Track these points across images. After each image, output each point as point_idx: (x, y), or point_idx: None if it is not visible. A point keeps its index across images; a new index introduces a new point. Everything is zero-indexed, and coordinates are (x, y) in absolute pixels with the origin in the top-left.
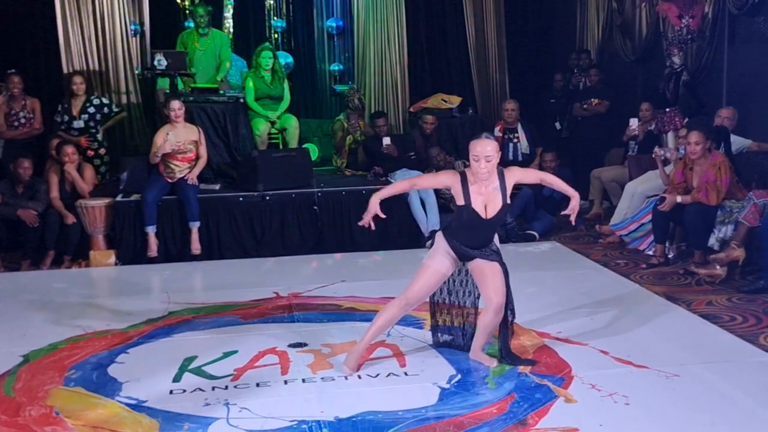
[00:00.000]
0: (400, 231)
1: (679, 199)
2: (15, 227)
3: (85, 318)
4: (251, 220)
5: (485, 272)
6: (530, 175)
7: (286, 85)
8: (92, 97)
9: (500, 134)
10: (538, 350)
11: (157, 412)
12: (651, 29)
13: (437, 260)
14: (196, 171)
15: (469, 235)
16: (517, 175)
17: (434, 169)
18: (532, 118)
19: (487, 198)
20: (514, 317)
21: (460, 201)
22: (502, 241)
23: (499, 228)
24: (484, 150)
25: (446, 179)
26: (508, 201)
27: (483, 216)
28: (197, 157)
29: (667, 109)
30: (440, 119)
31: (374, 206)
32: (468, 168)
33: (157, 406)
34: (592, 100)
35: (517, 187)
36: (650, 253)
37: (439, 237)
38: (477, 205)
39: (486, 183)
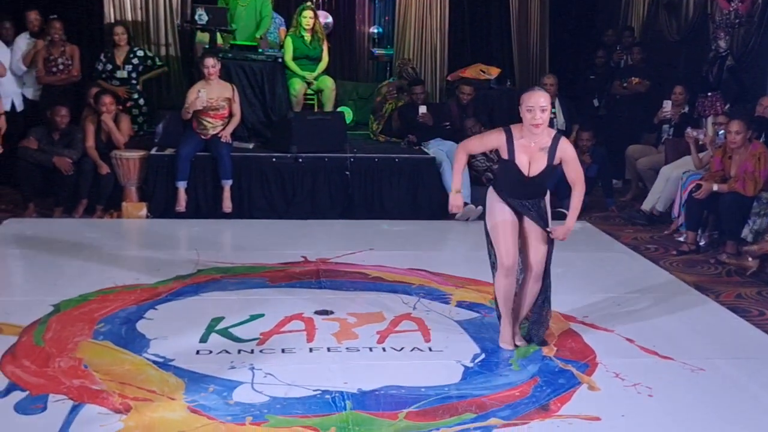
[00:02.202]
0: (430, 201)
1: (715, 187)
2: (49, 174)
3: (116, 270)
4: (283, 182)
5: (530, 238)
6: (573, 167)
7: (324, 45)
8: (136, 49)
9: None
10: (563, 334)
11: (184, 372)
12: (698, 10)
13: (497, 213)
14: (230, 128)
15: (514, 189)
16: (568, 154)
17: None
18: (571, 93)
19: (532, 156)
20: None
21: (504, 155)
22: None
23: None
24: (539, 101)
25: (493, 139)
26: (554, 163)
27: (525, 173)
28: (230, 115)
29: (709, 94)
30: (477, 90)
31: (458, 202)
32: (515, 125)
33: (183, 366)
34: (633, 78)
35: None
36: (681, 239)
37: (490, 192)
38: (520, 161)
39: (535, 139)
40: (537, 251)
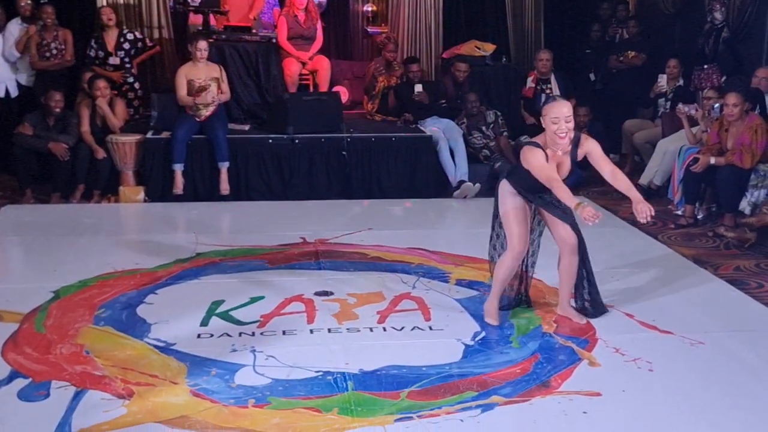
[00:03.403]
0: (427, 180)
1: (712, 160)
2: (46, 160)
3: (115, 255)
4: (280, 163)
5: (553, 216)
6: (602, 162)
7: (318, 25)
8: (125, 32)
9: (533, 85)
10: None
11: (185, 356)
12: None
13: (509, 201)
14: (222, 99)
15: (538, 191)
16: (592, 148)
17: (466, 117)
18: (566, 68)
19: (558, 162)
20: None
21: None
22: None
23: None
24: (564, 111)
25: (544, 159)
26: (578, 160)
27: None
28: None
29: (705, 66)
30: (473, 67)
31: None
32: (539, 137)
33: (185, 350)
34: (629, 52)
35: None
36: (679, 213)
37: (503, 184)
38: None
39: (560, 147)
40: (564, 226)
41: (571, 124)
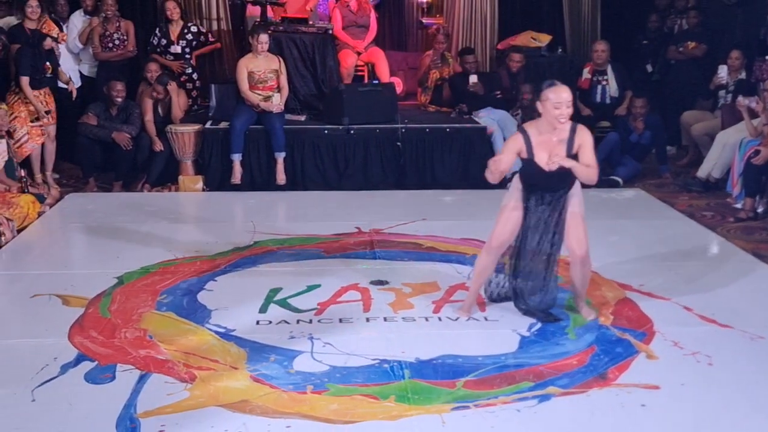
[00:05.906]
0: (482, 170)
1: None
2: (108, 149)
3: (175, 242)
4: (335, 153)
5: (568, 221)
6: (586, 154)
7: (372, 14)
8: (190, 24)
9: (589, 76)
10: (619, 303)
11: (245, 342)
12: None
13: (512, 203)
14: (282, 100)
15: (539, 182)
16: (585, 139)
17: (520, 108)
18: (623, 59)
19: (551, 151)
20: None
21: (524, 155)
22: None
23: None
24: (565, 96)
25: (515, 146)
26: (574, 152)
27: (546, 169)
28: (279, 87)
29: (767, 57)
30: (528, 58)
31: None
32: (528, 124)
33: (244, 336)
34: (689, 43)
35: (603, 131)
36: (738, 206)
37: (516, 179)
38: (540, 158)
39: (556, 133)
40: (576, 233)
41: (571, 110)
